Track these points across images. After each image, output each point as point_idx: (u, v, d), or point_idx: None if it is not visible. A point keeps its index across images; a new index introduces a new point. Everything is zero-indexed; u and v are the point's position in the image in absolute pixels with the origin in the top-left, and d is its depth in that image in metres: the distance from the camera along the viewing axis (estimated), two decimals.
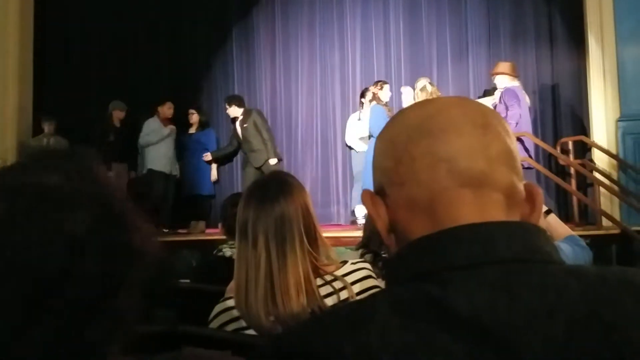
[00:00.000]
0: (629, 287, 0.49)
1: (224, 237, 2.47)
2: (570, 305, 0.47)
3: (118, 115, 6.47)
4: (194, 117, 6.90)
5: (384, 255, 2.12)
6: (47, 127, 6.30)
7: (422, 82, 5.86)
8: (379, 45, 7.14)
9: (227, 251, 2.15)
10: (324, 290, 1.35)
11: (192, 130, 6.91)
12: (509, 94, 5.39)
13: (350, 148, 6.41)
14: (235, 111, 6.34)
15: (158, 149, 6.37)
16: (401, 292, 0.52)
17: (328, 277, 1.38)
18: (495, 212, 0.55)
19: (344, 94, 7.02)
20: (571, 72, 6.32)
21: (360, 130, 6.23)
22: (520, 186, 0.58)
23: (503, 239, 0.52)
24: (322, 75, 7.26)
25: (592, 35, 5.68)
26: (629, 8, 5.34)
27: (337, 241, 5.01)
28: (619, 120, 5.38)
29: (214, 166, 6.83)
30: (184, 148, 6.79)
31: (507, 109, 5.31)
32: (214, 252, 2.30)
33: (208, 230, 6.22)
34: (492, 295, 0.48)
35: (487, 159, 0.55)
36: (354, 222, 6.16)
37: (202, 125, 6.90)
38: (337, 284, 1.37)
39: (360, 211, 5.97)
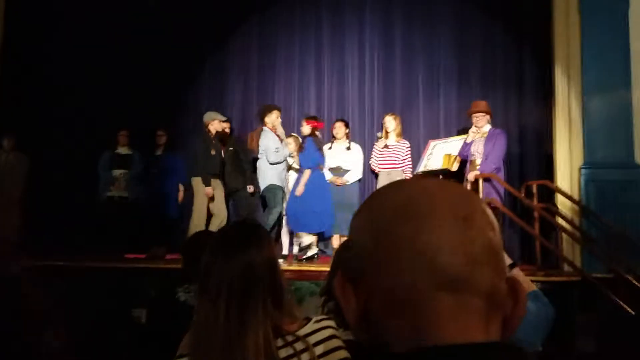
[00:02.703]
0: None
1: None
2: None
3: (215, 127, 6.16)
4: (163, 139, 6.83)
5: None
6: (6, 143, 6.11)
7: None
8: (354, 81, 7.26)
9: (182, 295, 2.06)
10: (284, 352, 1.28)
11: (159, 151, 6.83)
12: (503, 136, 5.59)
13: None
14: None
15: (278, 165, 5.92)
16: None
17: (289, 338, 1.31)
18: (476, 324, 0.53)
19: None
20: (538, 117, 6.49)
21: (331, 160, 6.27)
22: (502, 285, 0.55)
23: None
24: (297, 106, 7.31)
25: (559, 84, 5.85)
26: (595, 59, 5.52)
27: (301, 275, 4.94)
28: (582, 167, 5.51)
29: (181, 188, 6.73)
30: (149, 170, 6.68)
31: (495, 149, 5.49)
32: (170, 292, 2.20)
33: (169, 257, 6.06)
34: None
35: (468, 257, 0.53)
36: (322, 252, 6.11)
37: (170, 147, 6.84)
38: (299, 345, 1.31)
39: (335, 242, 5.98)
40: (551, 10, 5.97)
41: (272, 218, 5.78)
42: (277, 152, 5.84)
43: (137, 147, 6.79)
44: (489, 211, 0.58)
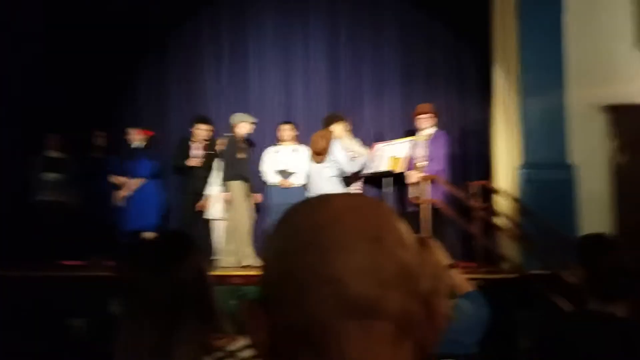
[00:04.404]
0: None
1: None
2: None
3: (242, 129, 5.95)
4: (101, 140, 6.59)
5: None
6: None
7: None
8: (298, 81, 7.24)
9: (117, 309, 1.96)
10: None
11: (97, 153, 6.59)
12: (445, 138, 5.69)
13: (265, 182, 6.34)
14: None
15: (335, 178, 5.67)
16: None
17: (219, 354, 1.26)
18: (382, 348, 0.51)
19: (262, 128, 6.94)
20: (479, 118, 6.66)
21: (278, 163, 6.21)
22: (415, 306, 0.53)
23: None
24: (241, 109, 7.21)
25: (498, 85, 6.02)
26: (532, 61, 5.70)
27: (248, 280, 4.87)
28: (520, 168, 5.68)
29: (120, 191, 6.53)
30: (85, 173, 6.44)
31: (438, 150, 5.59)
32: (104, 304, 2.10)
33: (108, 263, 5.82)
34: None
35: (378, 282, 0.51)
36: None
37: (109, 149, 6.62)
38: None
39: None
40: (490, 13, 6.14)
41: None
42: (353, 160, 5.68)
43: (70, 150, 6.53)
44: (402, 227, 0.56)
